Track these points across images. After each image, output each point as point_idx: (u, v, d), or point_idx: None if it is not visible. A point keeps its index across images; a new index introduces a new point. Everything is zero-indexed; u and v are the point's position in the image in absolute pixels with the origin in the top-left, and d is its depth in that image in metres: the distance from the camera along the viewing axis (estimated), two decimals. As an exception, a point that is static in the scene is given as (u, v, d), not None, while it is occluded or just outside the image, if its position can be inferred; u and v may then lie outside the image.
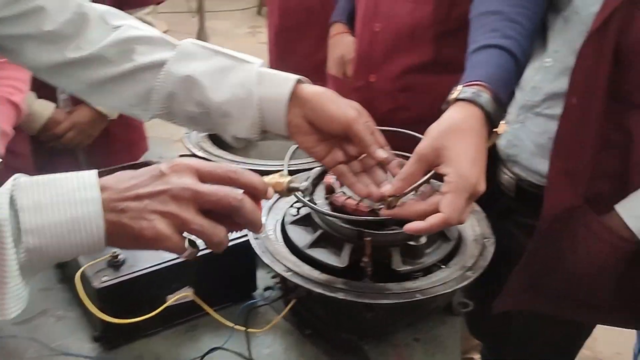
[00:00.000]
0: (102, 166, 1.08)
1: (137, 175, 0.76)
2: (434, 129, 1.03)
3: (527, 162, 1.39)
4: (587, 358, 2.73)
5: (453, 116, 1.05)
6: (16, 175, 0.74)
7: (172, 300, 1.15)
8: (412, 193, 1.04)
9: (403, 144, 1.17)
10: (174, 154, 1.80)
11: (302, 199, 1.13)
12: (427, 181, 1.04)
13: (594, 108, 1.17)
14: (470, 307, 1.21)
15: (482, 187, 0.98)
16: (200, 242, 0.79)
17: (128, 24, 1.09)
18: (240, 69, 1.05)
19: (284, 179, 0.94)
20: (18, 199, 0.71)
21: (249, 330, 1.18)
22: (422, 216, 0.99)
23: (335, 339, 1.17)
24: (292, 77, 1.04)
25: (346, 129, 1.01)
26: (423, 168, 1.03)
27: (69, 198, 0.72)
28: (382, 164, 1.06)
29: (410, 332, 1.20)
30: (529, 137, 1.37)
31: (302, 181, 1.12)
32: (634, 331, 2.07)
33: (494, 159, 1.44)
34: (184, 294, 1.16)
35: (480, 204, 1.25)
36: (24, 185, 0.72)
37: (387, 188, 1.03)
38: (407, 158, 1.06)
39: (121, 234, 0.74)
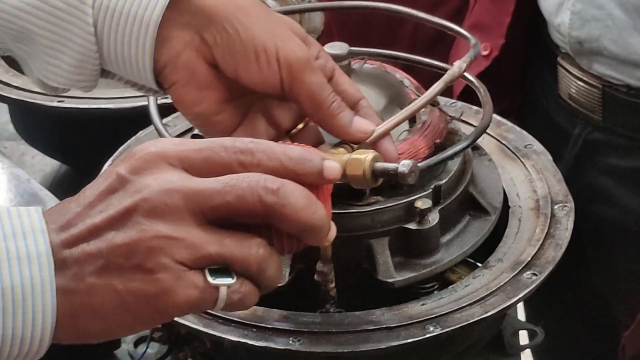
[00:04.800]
0: None
1: (84, 194, 0.67)
2: None
3: (618, 47, 1.23)
4: None
5: None
6: None
7: None
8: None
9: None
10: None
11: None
12: None
13: None
14: (539, 338, 1.00)
15: None
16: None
17: None
18: None
19: (363, 155, 0.78)
20: None
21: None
22: None
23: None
24: None
25: (287, 81, 0.83)
26: None
27: None
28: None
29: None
30: None
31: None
32: None
33: (546, 55, 1.32)
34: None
35: (543, 140, 1.09)
36: None
37: None
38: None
39: (83, 310, 0.64)
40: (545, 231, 0.96)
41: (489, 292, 0.89)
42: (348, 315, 0.88)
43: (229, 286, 0.65)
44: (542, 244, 0.95)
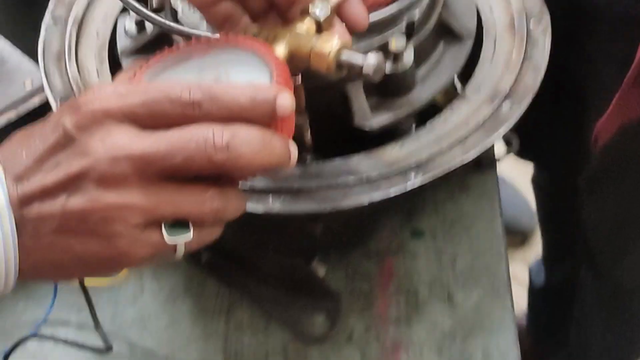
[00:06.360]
0: None
1: (34, 142, 0.66)
2: None
3: None
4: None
5: None
6: None
7: None
8: None
9: None
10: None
11: (159, 18, 0.81)
12: None
13: None
14: (514, 145, 1.01)
15: None
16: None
17: None
18: None
19: (328, 48, 0.74)
20: None
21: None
22: None
23: (259, 264, 1.00)
24: None
25: None
26: None
27: None
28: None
29: (405, 219, 1.03)
30: None
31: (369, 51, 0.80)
32: None
33: None
34: None
35: None
36: None
37: None
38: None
39: (44, 264, 0.65)
40: (523, 54, 0.92)
41: (468, 130, 0.86)
42: (326, 165, 0.85)
43: (185, 239, 0.66)
44: (520, 69, 0.91)
